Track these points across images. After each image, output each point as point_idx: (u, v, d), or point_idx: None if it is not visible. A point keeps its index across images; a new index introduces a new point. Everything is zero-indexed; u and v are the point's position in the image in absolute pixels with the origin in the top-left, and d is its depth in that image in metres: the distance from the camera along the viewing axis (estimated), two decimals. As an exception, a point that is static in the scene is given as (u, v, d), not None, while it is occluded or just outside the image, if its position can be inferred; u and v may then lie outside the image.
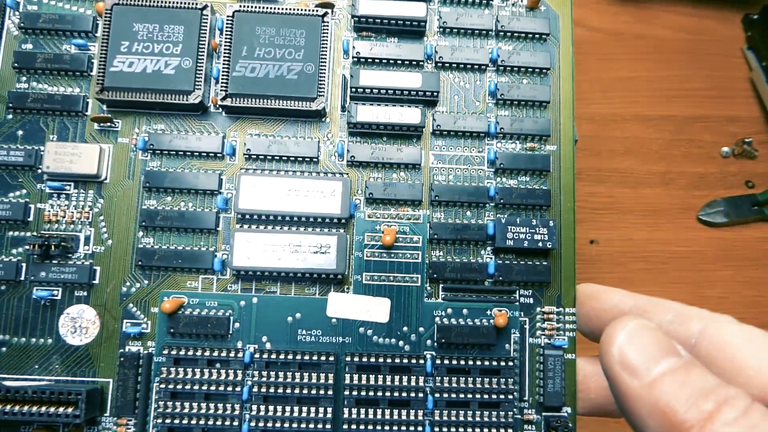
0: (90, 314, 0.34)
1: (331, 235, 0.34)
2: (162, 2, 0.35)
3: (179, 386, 0.33)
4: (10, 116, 0.36)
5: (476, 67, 0.37)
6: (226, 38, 0.35)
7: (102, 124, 0.36)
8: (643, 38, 0.72)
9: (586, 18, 0.74)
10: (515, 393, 0.34)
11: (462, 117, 0.36)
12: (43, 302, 0.34)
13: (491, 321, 0.34)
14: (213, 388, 0.33)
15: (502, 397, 0.33)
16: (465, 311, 0.35)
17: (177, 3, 0.35)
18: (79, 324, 0.34)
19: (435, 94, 0.35)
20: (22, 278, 0.34)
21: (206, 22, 0.35)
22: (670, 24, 0.70)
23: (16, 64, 0.35)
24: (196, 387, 0.33)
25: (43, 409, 0.31)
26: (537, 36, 0.37)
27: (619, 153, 0.68)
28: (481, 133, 0.36)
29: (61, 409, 0.31)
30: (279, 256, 0.33)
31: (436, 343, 0.34)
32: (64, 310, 0.34)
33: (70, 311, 0.34)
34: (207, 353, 0.33)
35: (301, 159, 0.35)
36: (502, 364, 0.34)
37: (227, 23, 0.35)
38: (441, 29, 0.37)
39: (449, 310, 0.34)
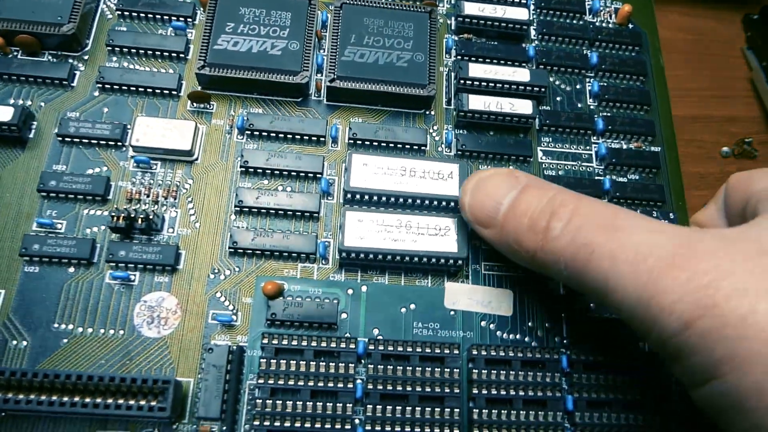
0: (171, 303, 0.30)
1: (450, 217, 0.31)
2: (269, -10, 0.35)
3: (281, 381, 0.27)
4: (97, 93, 0.33)
5: (575, 70, 0.37)
6: (333, 27, 0.35)
7: (195, 105, 0.33)
8: None
9: None
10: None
11: (567, 114, 0.35)
12: (117, 287, 0.29)
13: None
14: (321, 383, 0.28)
15: (639, 397, 0.29)
16: (591, 305, 0.31)
17: (284, -8, 0.35)
18: (158, 314, 0.29)
19: (543, 90, 0.35)
20: (95, 260, 0.30)
21: (314, 12, 0.35)
22: (670, 24, 0.69)
23: (110, 43, 0.34)
24: (300, 382, 0.28)
25: (121, 401, 0.26)
26: (630, 47, 0.38)
27: None
28: (588, 129, 0.35)
29: (143, 402, 0.26)
30: (394, 237, 0.30)
31: (565, 340, 0.30)
32: (141, 297, 0.29)
33: (147, 299, 0.29)
34: (314, 343, 0.28)
35: (408, 146, 0.34)
36: (640, 363, 0.30)
37: (335, 13, 0.35)
38: (539, 35, 0.37)
39: (577, 304, 0.31)
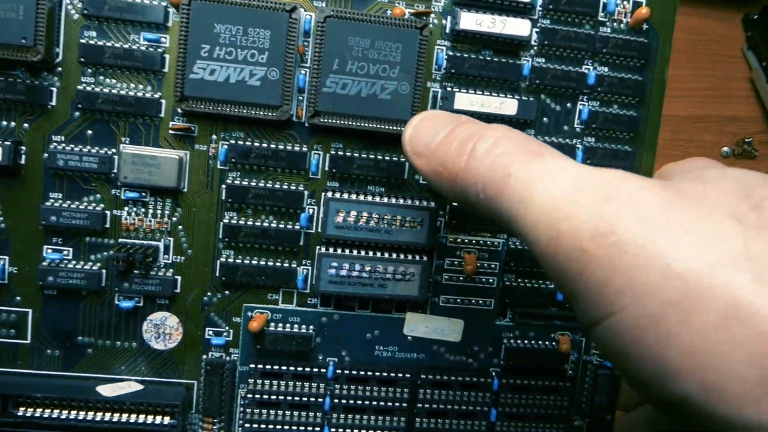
0: (173, 321, 0.35)
1: (416, 264, 0.34)
2: (246, 1, 0.32)
3: (265, 396, 0.35)
4: (78, 114, 0.33)
5: (570, 91, 0.35)
6: (315, 46, 0.32)
7: (178, 131, 0.34)
8: None
9: None
10: (569, 408, 0.37)
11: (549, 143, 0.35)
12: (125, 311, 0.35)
13: (555, 344, 0.37)
14: (297, 399, 0.35)
15: (556, 411, 0.37)
16: (531, 333, 0.37)
17: (263, 2, 0.32)
18: (163, 330, 0.35)
19: (529, 122, 0.34)
20: (103, 284, 0.34)
21: (295, 27, 0.32)
22: None
23: (82, 59, 0.32)
24: (281, 397, 0.35)
25: (140, 418, 0.33)
26: (635, 62, 0.36)
27: None
28: (566, 161, 0.36)
29: (158, 419, 0.33)
30: (364, 282, 0.34)
31: (503, 363, 0.37)
32: (147, 317, 0.35)
33: (152, 318, 0.35)
34: (292, 368, 0.35)
35: (386, 179, 0.35)
36: (561, 383, 0.37)
37: (318, 30, 0.32)
38: (539, 47, 0.35)
39: (517, 332, 0.37)
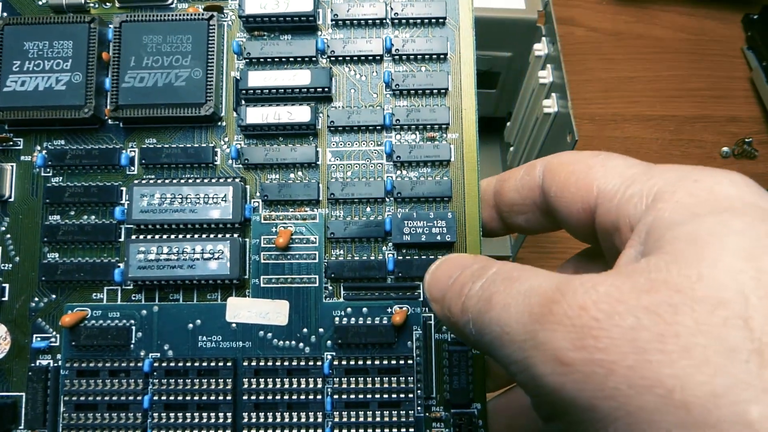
0: (1, 331, 0.35)
1: (224, 241, 0.34)
2: (50, 19, 0.35)
3: (83, 398, 0.33)
4: None
5: (370, 58, 0.36)
6: (114, 50, 0.35)
7: (3, 144, 0.36)
8: (643, 38, 0.72)
9: (586, 18, 0.75)
10: (418, 391, 0.33)
11: (357, 111, 0.35)
12: (-43, 321, 0.35)
13: (389, 320, 0.33)
14: (115, 398, 0.33)
15: (402, 396, 0.33)
16: (365, 310, 0.34)
17: (65, 18, 0.35)
18: (-8, 340, 0.35)
19: (326, 90, 0.35)
20: (-64, 298, 0.35)
21: (95, 35, 0.35)
22: (670, 24, 0.70)
23: None
24: (99, 398, 0.33)
25: (-49, 425, 0.32)
26: (434, 21, 0.36)
27: (620, 153, 0.67)
28: (377, 126, 0.35)
29: (-33, 425, 0.32)
30: (173, 264, 0.33)
31: (335, 344, 0.34)
32: (-23, 327, 0.35)
33: (-18, 329, 0.35)
34: (108, 364, 0.33)
35: (197, 165, 0.35)
36: (401, 362, 0.33)
37: (115, 34, 0.35)
38: (333, 22, 0.36)
39: (349, 310, 0.34)
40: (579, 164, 0.27)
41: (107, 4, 0.37)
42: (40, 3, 0.37)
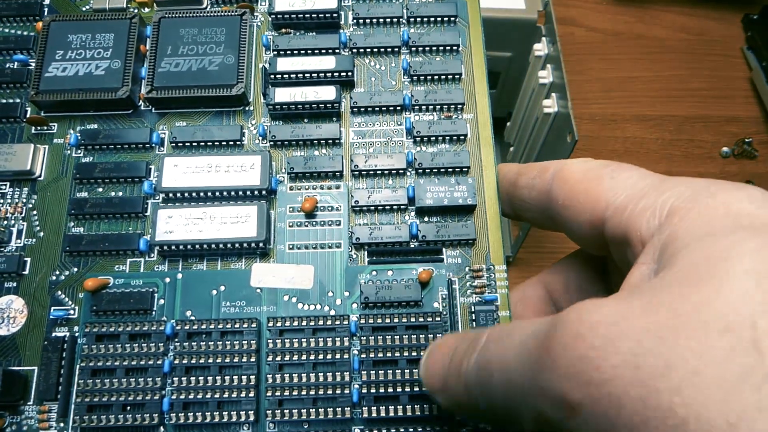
0: (18, 304, 0.34)
1: (251, 205, 0.34)
2: (95, 16, 0.38)
3: (100, 362, 0.32)
4: (-48, 125, 0.38)
5: (389, 50, 0.39)
6: (152, 42, 0.38)
7: (38, 127, 0.38)
8: (643, 38, 0.72)
9: (586, 18, 0.75)
10: (446, 350, 0.32)
11: (378, 93, 0.38)
12: (-27, 295, 0.34)
13: (415, 279, 0.34)
14: (134, 362, 0.32)
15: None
16: (390, 273, 0.34)
17: (109, 15, 0.38)
18: (8, 314, 0.34)
19: (349, 74, 0.37)
20: (-47, 273, 0.35)
21: (135, 30, 0.38)
22: (670, 24, 0.69)
23: (-42, 79, 0.38)
24: (116, 362, 0.32)
25: (-40, 390, 0.31)
26: (446, 19, 0.40)
27: (620, 153, 0.67)
28: (397, 106, 0.37)
29: (-24, 389, 0.31)
30: (200, 228, 0.34)
31: (362, 305, 0.33)
32: (-7, 302, 0.34)
33: (-2, 302, 0.35)
34: (129, 328, 0.33)
35: (225, 143, 0.37)
36: (429, 320, 0.33)
37: (154, 29, 0.38)
38: (355, 20, 0.40)
39: (374, 273, 0.34)
40: (589, 174, 0.27)
41: (146, 9, 0.40)
42: (84, 9, 0.40)
